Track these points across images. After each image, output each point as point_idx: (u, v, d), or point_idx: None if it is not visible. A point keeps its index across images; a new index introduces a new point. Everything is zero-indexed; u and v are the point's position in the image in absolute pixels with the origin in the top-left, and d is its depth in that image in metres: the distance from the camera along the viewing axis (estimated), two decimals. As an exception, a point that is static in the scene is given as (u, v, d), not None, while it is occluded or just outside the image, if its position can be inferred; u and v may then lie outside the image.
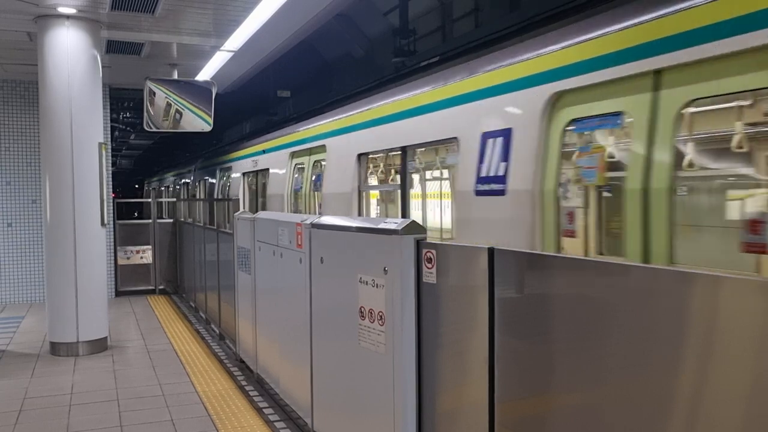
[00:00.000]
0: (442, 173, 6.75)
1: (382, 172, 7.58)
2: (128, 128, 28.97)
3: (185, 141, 33.45)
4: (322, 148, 8.13)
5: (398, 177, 6.82)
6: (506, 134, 4.66)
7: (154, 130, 8.62)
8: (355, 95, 8.81)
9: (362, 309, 3.51)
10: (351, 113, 7.60)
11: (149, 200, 11.96)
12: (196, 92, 8.64)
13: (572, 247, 4.21)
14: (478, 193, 4.87)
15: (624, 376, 2.16)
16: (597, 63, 3.91)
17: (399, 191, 6.75)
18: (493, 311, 2.70)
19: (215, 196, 13.24)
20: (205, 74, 9.60)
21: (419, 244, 3.20)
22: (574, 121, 4.12)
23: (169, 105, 8.46)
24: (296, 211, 9.09)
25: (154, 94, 8.38)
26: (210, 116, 8.68)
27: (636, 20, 3.69)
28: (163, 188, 25.36)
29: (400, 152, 6.49)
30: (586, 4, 5.22)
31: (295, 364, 4.64)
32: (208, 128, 8.72)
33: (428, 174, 7.04)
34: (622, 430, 2.17)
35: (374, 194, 7.78)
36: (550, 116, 4.25)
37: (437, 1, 12.53)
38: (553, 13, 7.88)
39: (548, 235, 4.25)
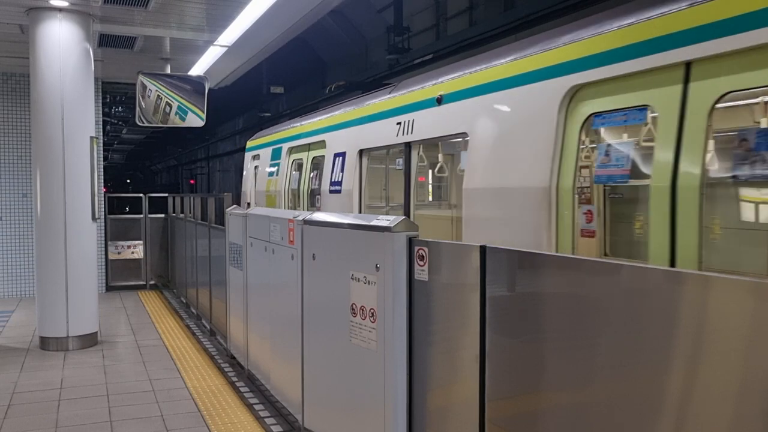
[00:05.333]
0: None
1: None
2: (120, 122, 28.85)
3: (182, 135, 33.36)
4: None
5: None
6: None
7: (146, 124, 8.58)
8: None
9: (354, 306, 3.51)
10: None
11: (140, 195, 11.90)
12: (189, 87, 8.60)
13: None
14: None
15: (614, 374, 2.17)
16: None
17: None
18: (484, 309, 2.71)
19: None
20: (198, 69, 9.55)
21: (411, 242, 3.21)
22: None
23: (160, 99, 8.41)
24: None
25: (147, 88, 8.34)
26: (203, 111, 8.63)
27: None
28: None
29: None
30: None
31: (286, 360, 4.64)
32: (200, 123, 8.68)
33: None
34: (611, 428, 2.18)
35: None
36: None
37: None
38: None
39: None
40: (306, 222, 4.17)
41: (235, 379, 5.86)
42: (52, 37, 6.79)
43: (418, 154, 6.00)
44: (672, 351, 1.97)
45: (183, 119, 8.46)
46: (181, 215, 10.11)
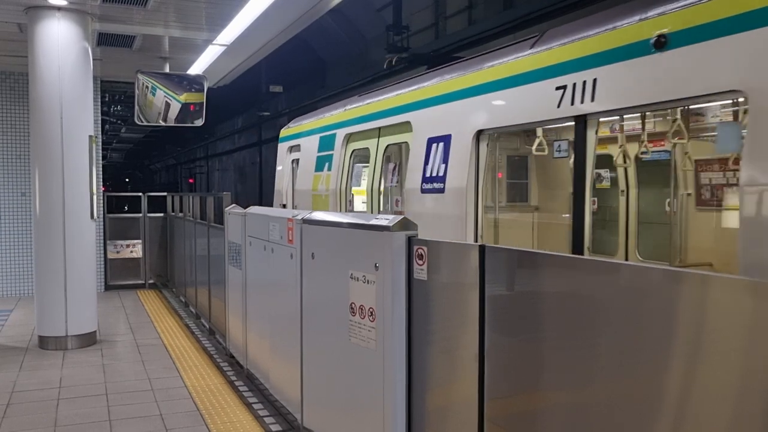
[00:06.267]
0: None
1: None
2: (119, 121, 28.86)
3: (180, 134, 33.35)
4: None
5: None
6: None
7: (145, 123, 8.56)
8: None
9: (353, 305, 3.51)
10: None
11: (139, 194, 11.90)
12: (188, 86, 8.57)
13: None
14: None
15: (613, 373, 2.17)
16: None
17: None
18: (483, 308, 2.71)
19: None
20: (197, 68, 9.55)
21: (410, 241, 3.20)
22: None
23: (170, 106, 8.37)
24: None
25: (153, 92, 8.32)
26: (175, 93, 8.54)
27: None
28: None
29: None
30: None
31: (285, 359, 4.64)
32: (199, 123, 8.67)
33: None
34: (610, 427, 2.18)
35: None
36: None
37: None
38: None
39: None
40: (305, 221, 4.17)
41: (234, 378, 5.86)
42: (50, 36, 6.79)
43: (596, 132, 4.14)
44: (671, 351, 1.97)
45: (153, 95, 8.30)
46: (180, 214, 10.11)
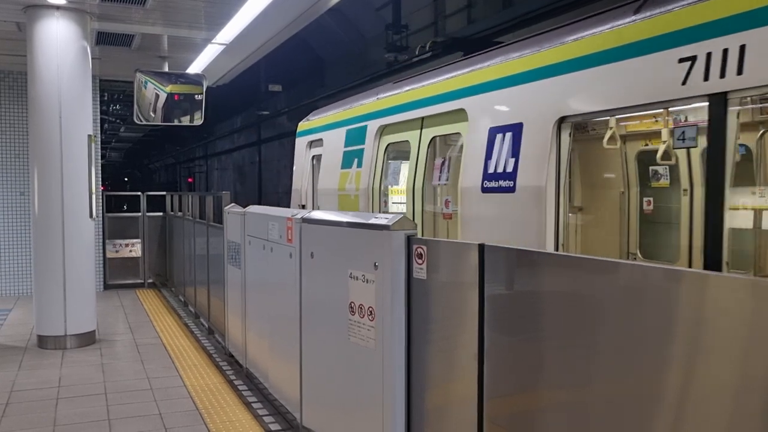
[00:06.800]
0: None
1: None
2: (118, 120, 28.85)
3: (180, 134, 33.35)
4: None
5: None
6: None
7: (144, 122, 8.56)
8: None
9: (352, 304, 3.51)
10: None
11: (138, 193, 11.90)
12: (175, 79, 8.54)
13: None
14: None
15: (612, 372, 2.17)
16: None
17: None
18: (483, 307, 2.71)
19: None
20: (196, 67, 9.55)
21: (410, 240, 3.20)
22: None
23: (158, 97, 8.38)
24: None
25: (145, 86, 8.31)
26: (161, 86, 8.53)
27: None
28: None
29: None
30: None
31: (284, 358, 4.64)
32: (198, 122, 8.66)
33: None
34: (610, 426, 2.18)
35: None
36: None
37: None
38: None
39: None
40: (304, 220, 4.17)
41: (233, 377, 5.85)
42: (49, 35, 6.77)
43: (737, 116, 3.31)
44: (671, 350, 1.97)
45: (144, 87, 8.29)
46: (179, 214, 10.10)
